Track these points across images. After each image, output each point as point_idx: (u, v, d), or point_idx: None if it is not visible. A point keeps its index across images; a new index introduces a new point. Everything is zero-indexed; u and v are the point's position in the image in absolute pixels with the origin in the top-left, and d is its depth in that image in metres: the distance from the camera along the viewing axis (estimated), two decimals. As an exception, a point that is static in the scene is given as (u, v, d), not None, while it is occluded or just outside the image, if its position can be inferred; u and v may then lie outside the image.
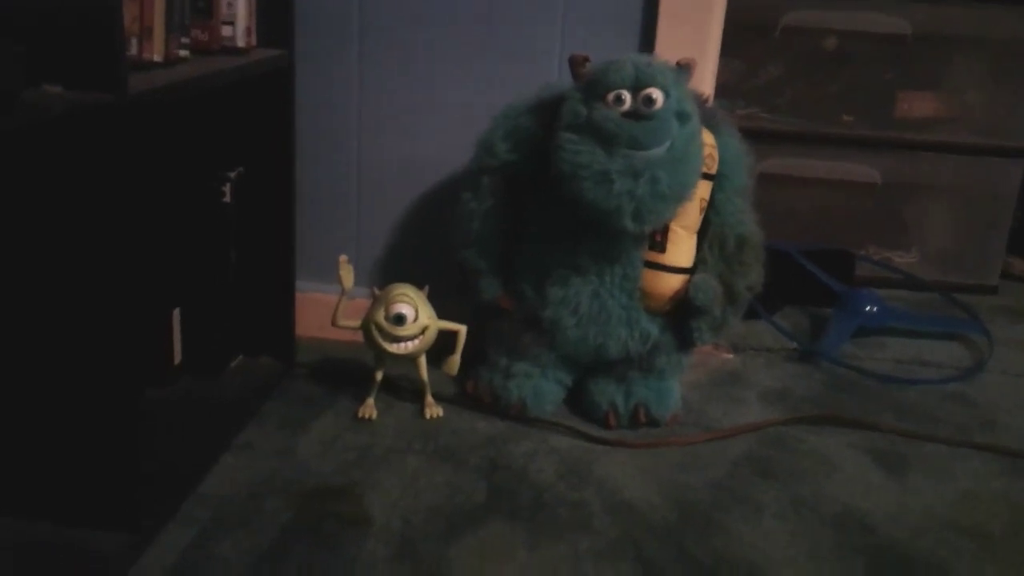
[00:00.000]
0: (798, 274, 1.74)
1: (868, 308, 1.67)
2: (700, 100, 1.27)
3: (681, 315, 1.28)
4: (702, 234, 1.28)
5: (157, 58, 0.99)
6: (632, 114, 1.15)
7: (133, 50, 0.95)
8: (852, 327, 1.64)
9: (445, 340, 1.29)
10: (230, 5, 1.15)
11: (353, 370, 1.39)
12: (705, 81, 1.38)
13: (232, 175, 1.26)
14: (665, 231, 1.25)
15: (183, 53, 1.05)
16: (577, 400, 1.34)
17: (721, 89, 1.62)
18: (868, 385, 1.48)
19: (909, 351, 1.62)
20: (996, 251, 1.96)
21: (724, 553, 1.04)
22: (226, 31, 1.16)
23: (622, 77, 1.16)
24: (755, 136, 1.36)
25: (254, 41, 1.22)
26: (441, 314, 1.28)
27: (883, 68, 1.94)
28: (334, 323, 1.29)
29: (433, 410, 1.30)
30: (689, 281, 1.25)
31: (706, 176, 1.24)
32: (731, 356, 1.56)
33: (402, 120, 1.44)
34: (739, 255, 1.28)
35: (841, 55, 1.94)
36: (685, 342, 1.30)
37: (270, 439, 1.22)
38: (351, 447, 1.21)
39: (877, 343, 1.64)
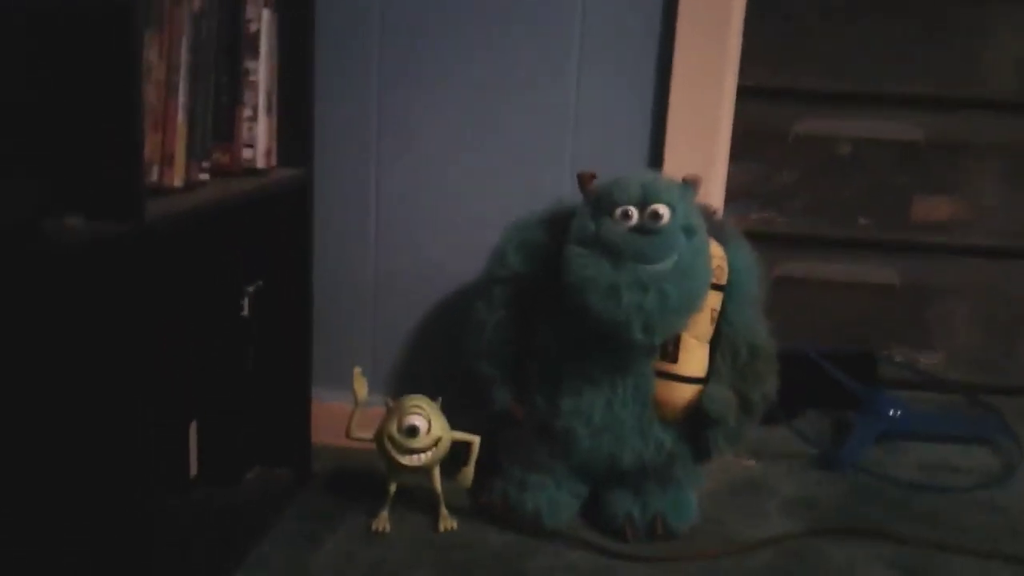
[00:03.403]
0: (819, 377, 1.73)
1: (892, 412, 1.64)
2: (708, 213, 1.29)
3: (696, 425, 1.27)
4: (714, 344, 1.28)
5: (178, 183, 1.03)
6: (639, 229, 1.18)
7: (154, 176, 0.99)
8: (876, 432, 1.61)
9: (459, 451, 1.29)
10: (251, 129, 1.20)
11: (368, 481, 1.39)
12: (714, 193, 1.40)
13: (251, 289, 1.29)
14: (677, 341, 1.25)
15: (203, 177, 1.09)
16: (593, 512, 1.32)
17: (736, 193, 1.64)
18: (893, 492, 1.44)
19: (935, 457, 1.59)
20: (1022, 352, 1.94)
21: (742, 676, 1.01)
22: (247, 153, 1.20)
23: (629, 194, 1.19)
24: (771, 240, 1.37)
25: (274, 161, 1.26)
26: (454, 425, 1.29)
27: (897, 173, 1.96)
28: (348, 435, 1.29)
29: (447, 523, 1.29)
30: (702, 392, 1.25)
31: (716, 287, 1.26)
32: (752, 463, 1.54)
33: (417, 232, 1.48)
34: (752, 364, 1.28)
35: (855, 160, 1.97)
36: (701, 452, 1.29)
37: (284, 555, 1.21)
38: (364, 563, 1.20)
39: (901, 448, 1.61)
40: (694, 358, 1.26)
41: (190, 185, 1.06)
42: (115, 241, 0.86)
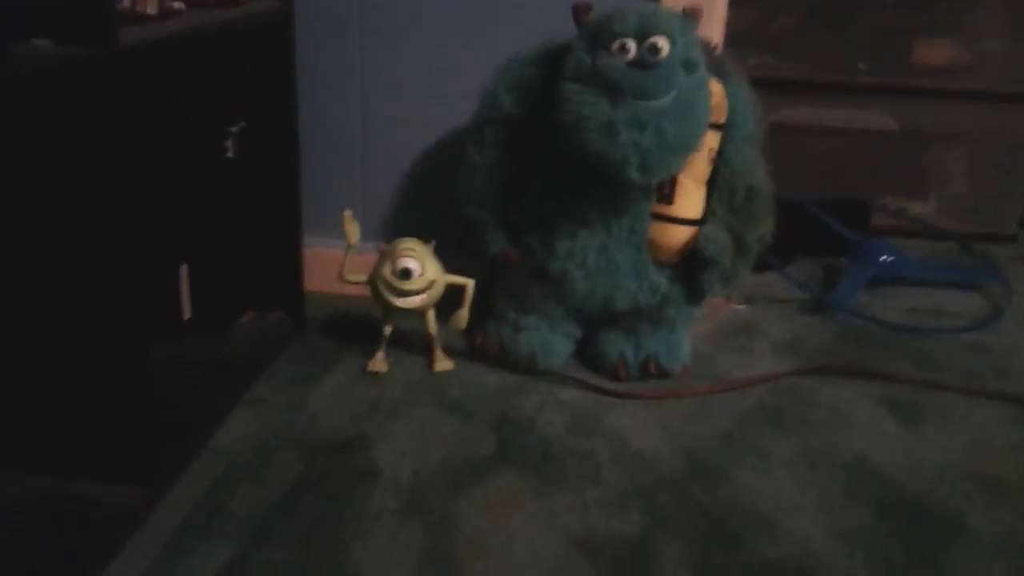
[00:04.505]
0: (812, 224, 1.72)
1: (883, 258, 1.65)
2: (708, 48, 1.24)
3: (691, 267, 1.26)
4: (711, 185, 1.26)
5: (151, 11, 0.98)
6: (637, 63, 1.13)
7: (126, 2, 0.94)
8: (866, 277, 1.62)
9: (454, 295, 1.29)
10: (228, -43, 1.14)
11: (363, 324, 1.39)
12: (714, 29, 1.35)
13: (234, 130, 1.25)
14: (673, 182, 1.23)
15: (178, 6, 1.04)
16: (587, 353, 1.34)
17: (733, 38, 1.59)
18: (882, 335, 1.46)
19: (925, 301, 1.60)
20: (1015, 200, 1.93)
21: (733, 503, 1.04)
22: (225, -17, 1.14)
23: (626, 26, 1.14)
24: (768, 85, 1.33)
25: (253, -7, 1.20)
26: (449, 268, 1.28)
27: (899, 15, 1.90)
28: (341, 278, 1.29)
29: (442, 363, 1.30)
30: (698, 233, 1.24)
31: (714, 126, 1.22)
32: (743, 307, 1.55)
33: (406, 74, 1.42)
34: (749, 206, 1.26)
35: (855, 2, 1.90)
36: (695, 294, 1.29)
37: (280, 394, 1.22)
38: (361, 401, 1.21)
39: (891, 293, 1.62)
40: (690, 200, 1.24)
41: (164, 13, 1.01)
42: (87, 65, 0.82)
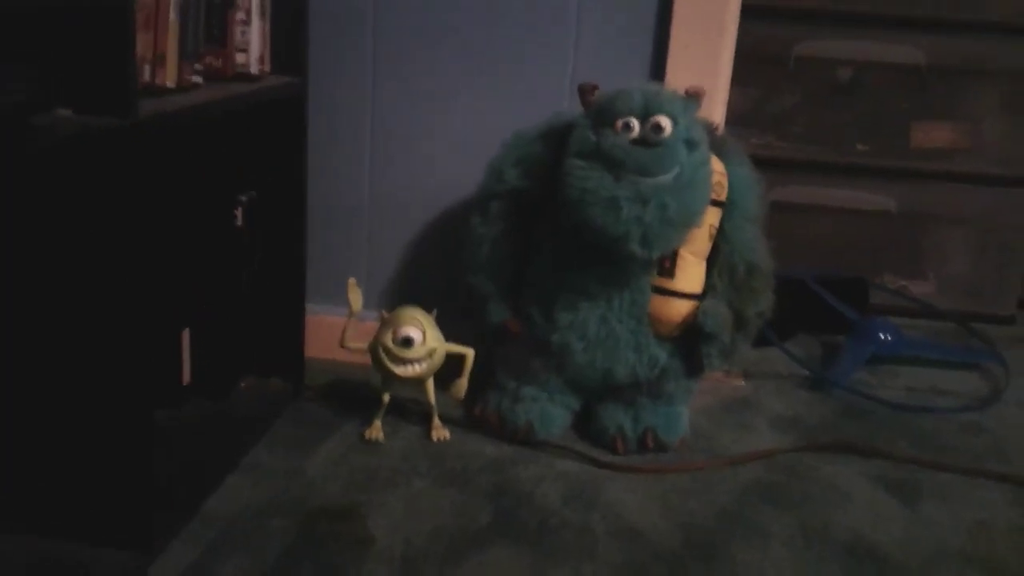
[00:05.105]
0: (812, 302, 1.74)
1: (882, 336, 1.66)
2: (710, 128, 1.28)
3: (690, 341, 1.27)
4: (712, 261, 1.28)
5: (170, 84, 1.01)
6: (641, 141, 1.16)
7: (146, 76, 0.97)
8: (865, 355, 1.62)
9: (453, 364, 1.29)
10: (244, 32, 1.18)
11: (361, 392, 1.40)
12: (716, 109, 1.38)
13: (244, 199, 1.27)
14: (674, 257, 1.25)
15: (196, 80, 1.07)
16: (585, 425, 1.34)
17: (735, 118, 1.62)
18: (881, 413, 1.46)
19: (924, 380, 1.60)
20: (1013, 281, 1.94)
21: (729, 581, 1.03)
22: (240, 58, 1.18)
23: (631, 105, 1.17)
24: (769, 164, 1.36)
25: (268, 68, 1.24)
26: (449, 337, 1.29)
27: (898, 98, 1.94)
28: (342, 344, 1.30)
29: (440, 433, 1.30)
30: (698, 307, 1.25)
31: (716, 203, 1.25)
32: (742, 383, 1.55)
33: (413, 145, 1.46)
34: (749, 282, 1.28)
35: (855, 85, 1.95)
36: (694, 368, 1.30)
37: (277, 460, 1.22)
38: (357, 468, 1.21)
39: (891, 372, 1.63)
40: (691, 274, 1.26)
41: (182, 86, 1.04)
42: (107, 136, 0.85)
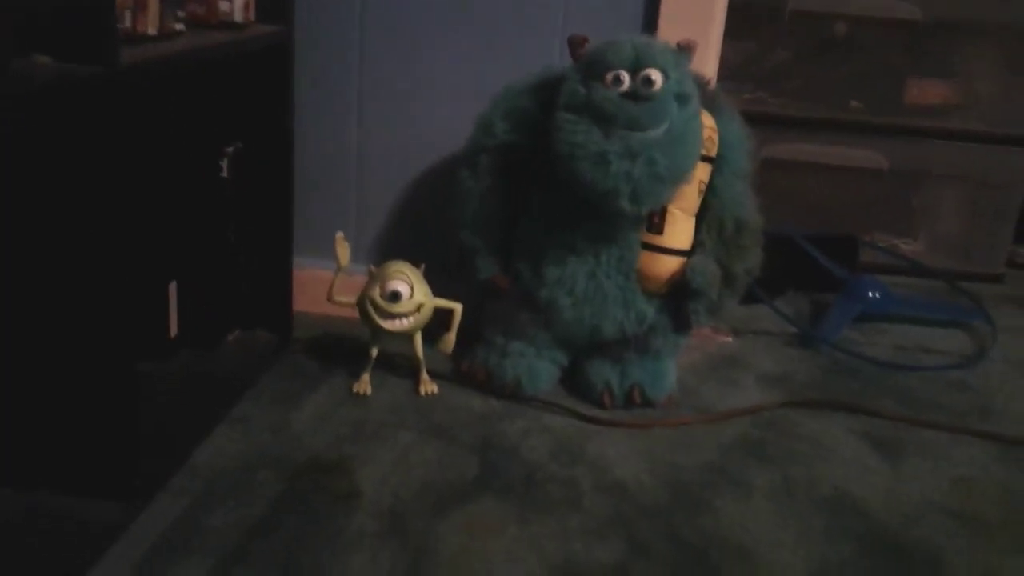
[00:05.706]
0: (801, 259, 1.74)
1: (871, 294, 1.66)
2: (701, 82, 1.26)
3: (678, 297, 1.27)
4: (700, 217, 1.28)
5: (152, 31, 0.99)
6: (631, 95, 1.15)
7: (127, 23, 0.95)
8: (853, 313, 1.63)
9: (441, 318, 1.29)
10: (229, -21, 1.15)
11: (349, 346, 1.39)
12: (708, 64, 1.37)
13: (230, 150, 1.26)
14: (663, 213, 1.24)
15: (179, 27, 1.05)
16: (573, 381, 1.34)
17: (728, 72, 1.61)
18: (868, 371, 1.47)
19: (911, 338, 1.61)
20: (1003, 240, 1.95)
21: (714, 534, 1.04)
22: (224, 5, 1.15)
23: (621, 57, 1.15)
24: (761, 121, 1.35)
25: (252, 16, 1.21)
26: (437, 292, 1.29)
27: (893, 54, 1.92)
28: (330, 299, 1.29)
29: (428, 387, 1.30)
30: (686, 263, 1.25)
31: (706, 159, 1.24)
32: (730, 339, 1.56)
33: (402, 98, 1.44)
34: (737, 238, 1.27)
35: (850, 40, 1.93)
36: (682, 324, 1.30)
37: (265, 413, 1.22)
38: (345, 422, 1.21)
39: (878, 329, 1.63)
40: (680, 230, 1.25)
41: (164, 34, 1.02)
42: (88, 83, 0.83)
